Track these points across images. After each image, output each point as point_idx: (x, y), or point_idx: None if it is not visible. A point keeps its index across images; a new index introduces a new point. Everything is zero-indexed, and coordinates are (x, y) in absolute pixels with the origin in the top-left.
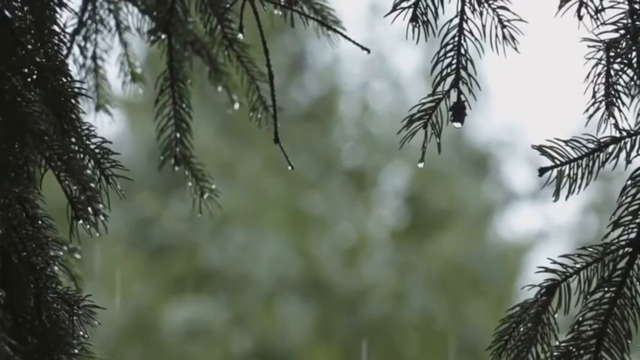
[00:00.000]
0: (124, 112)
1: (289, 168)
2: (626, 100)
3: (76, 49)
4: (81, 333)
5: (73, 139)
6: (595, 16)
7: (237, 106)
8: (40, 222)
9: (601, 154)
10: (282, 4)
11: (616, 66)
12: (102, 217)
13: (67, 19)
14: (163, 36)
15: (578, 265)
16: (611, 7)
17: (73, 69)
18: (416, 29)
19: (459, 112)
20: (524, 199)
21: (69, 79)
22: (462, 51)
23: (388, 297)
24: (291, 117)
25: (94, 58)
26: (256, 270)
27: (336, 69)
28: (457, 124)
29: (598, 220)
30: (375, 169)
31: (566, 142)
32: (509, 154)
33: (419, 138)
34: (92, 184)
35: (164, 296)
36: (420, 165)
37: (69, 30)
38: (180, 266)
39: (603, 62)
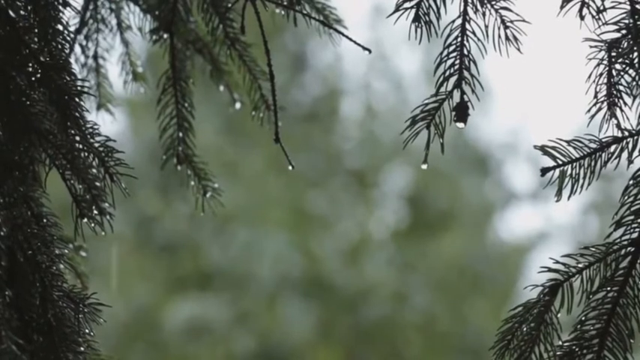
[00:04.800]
0: (125, 111)
1: (289, 167)
2: (628, 100)
3: (77, 49)
4: (86, 331)
5: (77, 138)
6: (597, 17)
7: (238, 105)
8: (45, 220)
9: (603, 154)
10: (284, 3)
11: (618, 66)
12: (107, 217)
13: (68, 18)
14: (165, 35)
15: (580, 265)
16: (613, 7)
17: (74, 68)
18: (418, 29)
19: (462, 112)
20: (525, 199)
21: (73, 77)
22: (465, 51)
23: (390, 297)
24: (293, 117)
25: (95, 57)
26: (259, 269)
27: (338, 69)
28: (460, 125)
29: (598, 221)
30: (377, 169)
31: (568, 142)
32: (510, 154)
33: (421, 138)
34: (97, 183)
35: (166, 295)
36: (424, 166)
37: (70, 28)
38: (182, 265)
39: (605, 62)
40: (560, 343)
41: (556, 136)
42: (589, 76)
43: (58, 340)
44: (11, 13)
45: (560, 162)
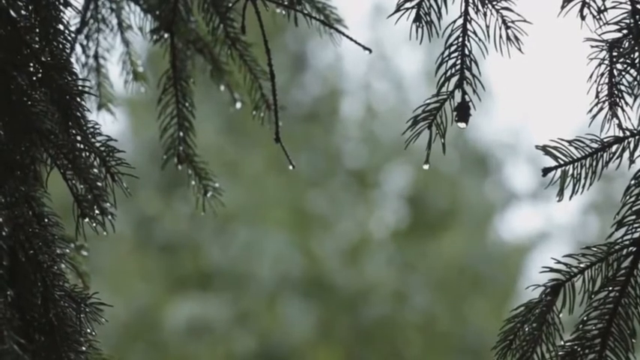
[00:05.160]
0: (125, 111)
1: (290, 167)
2: (630, 99)
3: (78, 48)
4: (88, 330)
5: (79, 138)
6: (598, 16)
7: (238, 105)
8: (46, 220)
9: (604, 154)
10: (285, 3)
11: (619, 66)
12: (109, 217)
13: (69, 17)
14: (166, 35)
15: (582, 265)
16: (614, 7)
17: (75, 68)
18: (419, 29)
19: (463, 112)
20: (525, 199)
21: (74, 77)
22: (466, 51)
23: (390, 297)
24: (294, 116)
25: (96, 57)
26: (259, 269)
27: (338, 69)
28: (462, 125)
29: (599, 221)
30: (377, 169)
31: (569, 142)
32: (510, 154)
33: (421, 138)
34: (99, 183)
35: (167, 295)
36: (426, 167)
37: (71, 28)
38: (182, 265)
39: (606, 62)
40: (562, 343)
41: (557, 136)
42: (590, 76)
43: (60, 339)
44: (12, 13)
45: (562, 162)
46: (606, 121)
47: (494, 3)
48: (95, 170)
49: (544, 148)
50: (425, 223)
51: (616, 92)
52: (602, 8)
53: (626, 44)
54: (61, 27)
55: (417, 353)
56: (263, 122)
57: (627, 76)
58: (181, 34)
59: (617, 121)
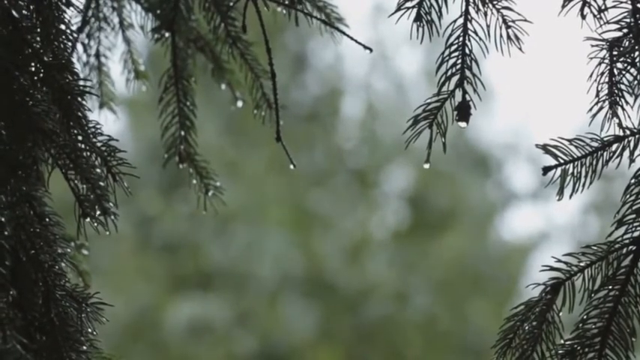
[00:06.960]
0: (125, 110)
1: (291, 167)
2: (630, 99)
3: (79, 47)
4: (89, 330)
5: (80, 137)
6: (598, 16)
7: (240, 103)
8: (47, 219)
9: (604, 153)
10: (286, 2)
11: (619, 65)
12: (112, 217)
13: (70, 16)
14: (167, 34)
15: (582, 264)
16: (614, 6)
17: (76, 67)
18: (420, 29)
19: (464, 111)
20: (525, 199)
21: (75, 77)
22: (467, 51)
23: (391, 297)
24: (294, 116)
25: (97, 55)
26: (259, 268)
27: (339, 68)
28: (462, 124)
29: (599, 220)
30: (378, 169)
31: (569, 141)
32: (511, 154)
33: (422, 138)
34: (101, 183)
35: (167, 295)
36: (426, 166)
37: (73, 28)
38: (183, 265)
39: (606, 61)
40: (562, 341)
41: (558, 135)
42: (590, 75)
43: (62, 339)
44: (14, 12)
45: (562, 161)
46: (606, 120)
47: (495, 2)
48: (97, 170)
49: (544, 147)
50: (426, 223)
51: (616, 91)
52: (603, 7)
53: (627, 43)
54: (63, 27)
55: (417, 353)
56: (264, 121)
57: (627, 75)
58: (182, 33)
59: (617, 120)
